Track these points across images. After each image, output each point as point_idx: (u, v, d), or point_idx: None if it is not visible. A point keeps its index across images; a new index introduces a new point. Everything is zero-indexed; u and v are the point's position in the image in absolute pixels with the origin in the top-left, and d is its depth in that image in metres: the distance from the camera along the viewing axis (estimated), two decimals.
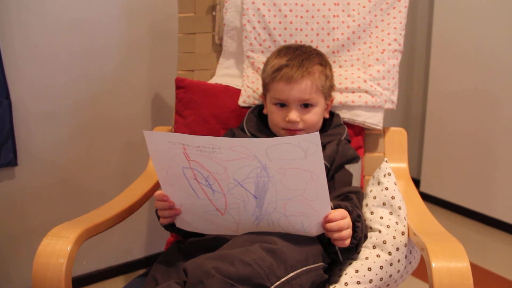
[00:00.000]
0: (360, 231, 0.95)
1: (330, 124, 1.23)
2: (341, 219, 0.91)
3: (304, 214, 0.89)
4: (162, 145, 0.88)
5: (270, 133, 1.20)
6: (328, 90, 1.20)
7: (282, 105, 1.16)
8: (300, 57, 1.15)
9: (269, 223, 0.91)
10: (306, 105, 1.15)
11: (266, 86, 1.20)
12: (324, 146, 1.16)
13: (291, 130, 1.15)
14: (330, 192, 1.09)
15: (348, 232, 0.92)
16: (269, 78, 1.17)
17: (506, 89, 2.19)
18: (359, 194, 1.09)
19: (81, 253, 1.69)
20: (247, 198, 0.88)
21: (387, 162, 1.10)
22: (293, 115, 1.13)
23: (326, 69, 1.19)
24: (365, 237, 1.01)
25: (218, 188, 0.89)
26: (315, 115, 1.16)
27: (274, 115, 1.17)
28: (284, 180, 0.85)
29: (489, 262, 1.99)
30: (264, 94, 1.22)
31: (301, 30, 1.32)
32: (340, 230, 0.90)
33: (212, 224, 0.95)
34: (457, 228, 2.33)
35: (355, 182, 1.13)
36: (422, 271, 0.89)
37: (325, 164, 1.11)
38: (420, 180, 2.66)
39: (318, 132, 0.80)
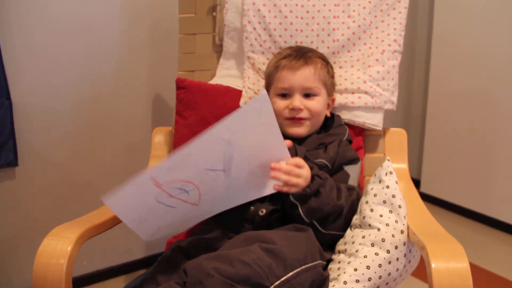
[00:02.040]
0: (317, 182, 0.99)
1: (331, 124, 1.23)
2: (294, 165, 0.96)
3: (266, 166, 0.94)
4: (129, 196, 0.88)
5: None
6: (330, 86, 1.22)
7: (285, 95, 1.17)
8: (303, 50, 1.22)
9: (239, 187, 0.95)
10: (309, 95, 1.17)
11: (269, 79, 1.22)
12: (326, 146, 1.16)
13: (295, 119, 1.16)
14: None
15: (299, 181, 0.96)
16: (273, 68, 1.20)
17: (507, 90, 2.20)
18: (354, 191, 1.10)
19: (81, 253, 1.69)
20: (217, 175, 0.91)
21: (389, 160, 1.10)
22: (296, 101, 1.15)
23: (328, 66, 1.23)
24: (352, 210, 1.06)
25: (192, 186, 0.91)
26: (319, 104, 1.17)
27: (277, 105, 1.18)
28: (246, 142, 0.90)
29: (488, 262, 2.00)
30: (267, 90, 1.23)
31: (301, 31, 1.33)
32: (288, 173, 0.95)
33: (187, 222, 1.00)
34: (457, 228, 2.33)
35: (351, 182, 1.14)
36: (422, 271, 0.89)
37: (326, 165, 1.12)
38: (420, 181, 2.66)
39: (265, 91, 0.87)
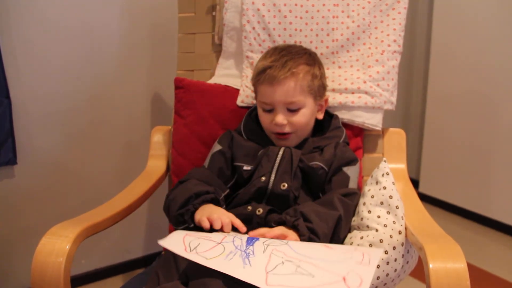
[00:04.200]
0: (302, 227, 0.95)
1: (328, 127, 1.22)
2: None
3: None
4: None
5: (266, 137, 1.20)
6: (317, 90, 1.16)
7: (270, 110, 1.14)
8: (284, 58, 1.13)
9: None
10: (293, 110, 1.13)
11: (254, 90, 1.20)
12: (322, 149, 1.16)
13: (280, 134, 1.15)
14: (327, 194, 1.10)
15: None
16: (255, 81, 1.16)
17: (504, 91, 2.20)
18: (355, 196, 1.09)
19: (80, 252, 1.69)
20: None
21: (385, 161, 1.10)
22: (279, 118, 1.12)
23: (314, 68, 1.16)
24: (338, 223, 1.01)
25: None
26: (304, 117, 1.14)
27: (263, 119, 1.17)
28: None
29: (487, 263, 2.00)
30: (256, 98, 1.21)
31: (300, 30, 1.33)
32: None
33: None
34: (456, 228, 2.34)
35: (352, 184, 1.13)
36: (421, 271, 0.89)
37: (323, 168, 1.11)
38: (419, 181, 2.67)
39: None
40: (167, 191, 1.41)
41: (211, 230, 0.98)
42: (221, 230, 0.97)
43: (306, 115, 1.14)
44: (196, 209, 1.02)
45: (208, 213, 1.00)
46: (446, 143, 2.49)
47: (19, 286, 1.67)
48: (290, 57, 1.14)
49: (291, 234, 0.95)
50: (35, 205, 1.66)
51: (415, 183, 2.67)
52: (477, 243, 2.21)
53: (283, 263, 0.82)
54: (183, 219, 1.03)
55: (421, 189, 2.64)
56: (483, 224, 2.35)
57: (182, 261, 0.97)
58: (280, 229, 0.96)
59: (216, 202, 1.05)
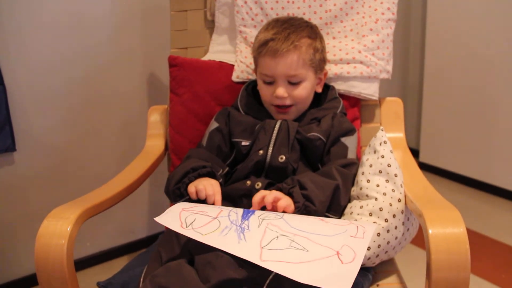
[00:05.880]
0: (297, 194, 0.96)
1: (325, 98, 1.22)
2: (263, 198, 0.95)
3: None
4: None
5: (263, 111, 1.19)
6: (318, 63, 1.16)
7: (270, 82, 1.14)
8: (287, 31, 1.12)
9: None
10: (294, 83, 1.12)
11: (255, 61, 1.19)
12: (319, 121, 1.15)
13: (280, 107, 1.15)
14: (325, 165, 1.10)
15: (283, 202, 0.94)
16: (256, 53, 1.15)
17: (503, 56, 2.18)
18: (354, 165, 1.09)
19: (85, 235, 1.70)
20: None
21: (382, 130, 1.10)
22: (280, 90, 1.12)
23: (316, 42, 1.16)
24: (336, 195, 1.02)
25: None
26: (304, 90, 1.14)
27: (263, 91, 1.16)
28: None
29: (490, 229, 2.01)
30: (255, 70, 1.21)
31: (293, 2, 1.31)
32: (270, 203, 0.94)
33: None
34: (458, 196, 2.34)
35: (351, 155, 1.13)
36: (421, 239, 0.90)
37: (321, 139, 1.11)
38: (419, 151, 2.66)
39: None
40: (167, 171, 1.41)
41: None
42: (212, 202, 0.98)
43: (307, 89, 1.14)
44: (191, 181, 1.04)
45: (197, 183, 1.02)
46: (445, 111, 2.48)
47: (23, 271, 1.68)
48: (293, 30, 1.12)
49: (286, 198, 0.95)
50: (36, 191, 1.66)
51: (416, 153, 2.67)
52: (480, 210, 2.22)
53: (277, 237, 0.81)
54: (179, 192, 1.04)
55: (421, 159, 2.64)
56: (486, 191, 2.36)
57: (183, 237, 0.98)
58: (274, 193, 0.96)
59: (212, 176, 1.06)
